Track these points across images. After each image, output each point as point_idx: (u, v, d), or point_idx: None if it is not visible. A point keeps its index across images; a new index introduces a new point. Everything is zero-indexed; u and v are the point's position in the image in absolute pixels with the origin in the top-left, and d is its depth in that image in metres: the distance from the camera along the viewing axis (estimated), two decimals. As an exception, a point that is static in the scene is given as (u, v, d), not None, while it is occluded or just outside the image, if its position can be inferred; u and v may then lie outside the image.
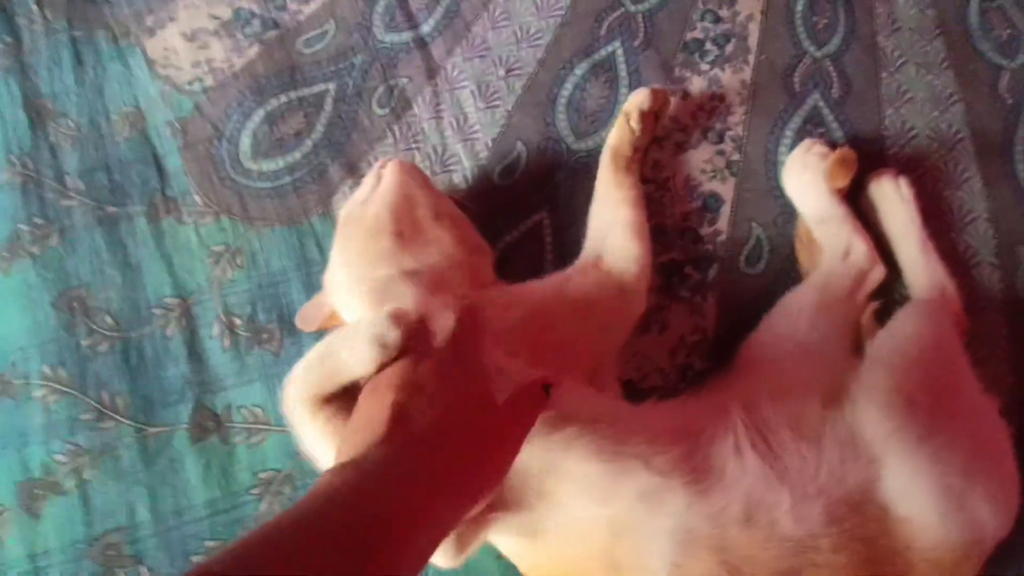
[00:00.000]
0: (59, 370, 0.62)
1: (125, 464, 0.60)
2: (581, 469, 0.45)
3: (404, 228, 0.55)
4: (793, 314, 0.60)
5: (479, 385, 0.40)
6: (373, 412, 0.37)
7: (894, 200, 0.63)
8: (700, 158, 0.69)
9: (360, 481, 0.32)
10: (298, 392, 0.42)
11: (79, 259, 0.66)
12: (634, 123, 0.64)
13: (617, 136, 0.65)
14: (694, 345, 0.64)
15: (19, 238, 0.66)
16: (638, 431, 0.48)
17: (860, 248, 0.61)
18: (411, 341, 0.40)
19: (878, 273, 0.61)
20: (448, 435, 0.37)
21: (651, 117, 0.65)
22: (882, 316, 0.60)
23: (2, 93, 0.71)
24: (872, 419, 0.49)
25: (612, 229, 0.62)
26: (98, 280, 0.65)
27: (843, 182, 0.63)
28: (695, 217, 0.67)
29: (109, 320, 0.64)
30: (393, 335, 0.39)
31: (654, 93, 0.65)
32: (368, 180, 0.60)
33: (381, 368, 0.39)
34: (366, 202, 0.57)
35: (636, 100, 0.65)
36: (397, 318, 0.40)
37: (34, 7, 0.76)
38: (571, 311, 0.56)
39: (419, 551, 0.33)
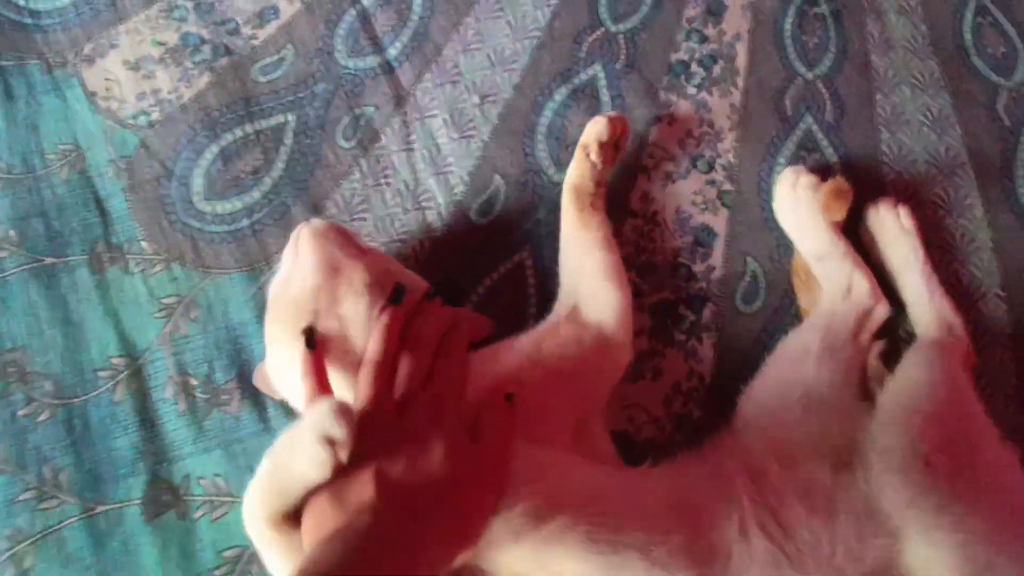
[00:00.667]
0: (-8, 445, 0.56)
1: (71, 548, 0.54)
2: (576, 567, 0.41)
3: (323, 305, 0.49)
4: (796, 359, 0.56)
5: (457, 436, 0.42)
6: (359, 473, 0.37)
7: (895, 232, 0.60)
8: (690, 189, 0.65)
9: (349, 552, 0.33)
10: (255, 515, 0.38)
11: (12, 318, 0.59)
12: (594, 156, 0.59)
13: (577, 172, 0.60)
14: (690, 392, 0.60)
15: (-57, 297, 0.60)
16: (635, 514, 0.44)
17: (862, 285, 0.58)
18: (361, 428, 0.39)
19: (882, 311, 0.58)
20: (435, 492, 0.38)
21: (611, 148, 0.60)
22: (888, 356, 0.57)
23: (-78, 132, 0.65)
24: (889, 488, 0.45)
25: (584, 276, 0.57)
26: (36, 341, 0.59)
27: (840, 214, 0.60)
28: (687, 253, 0.64)
29: (49, 386, 0.58)
30: (340, 430, 0.37)
31: (611, 121, 0.60)
32: (287, 254, 0.53)
33: (337, 470, 0.37)
34: (286, 281, 0.51)
35: (594, 131, 0.60)
36: (341, 412, 0.37)
37: (-43, 34, 0.69)
38: (548, 375, 0.51)
39: None
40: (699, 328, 0.61)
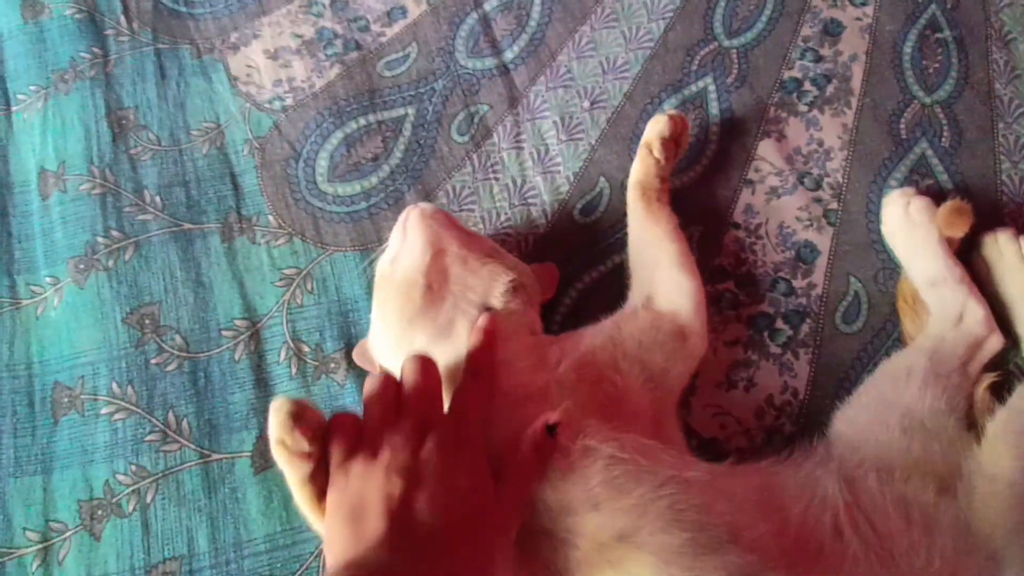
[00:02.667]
0: (127, 388, 0.61)
1: (187, 490, 0.59)
2: (660, 539, 0.41)
3: (433, 281, 0.52)
4: (899, 381, 0.55)
5: (479, 467, 0.40)
6: (373, 494, 0.37)
7: (1014, 262, 0.58)
8: (795, 205, 0.65)
9: None
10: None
11: (153, 275, 0.65)
12: (657, 152, 0.61)
13: (642, 169, 0.62)
14: (783, 406, 0.59)
15: (95, 251, 0.66)
16: (721, 499, 0.44)
17: (977, 314, 0.56)
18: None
19: (995, 342, 0.56)
20: (450, 532, 0.36)
21: (672, 144, 0.62)
22: (998, 389, 0.55)
23: (88, 104, 0.72)
24: (992, 511, 0.44)
25: (658, 267, 0.59)
26: (171, 297, 0.64)
27: (961, 231, 0.58)
28: (788, 268, 0.63)
29: (179, 340, 0.63)
30: (289, 436, 0.40)
31: (672, 119, 0.61)
32: (395, 235, 0.56)
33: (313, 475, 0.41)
34: (395, 260, 0.54)
35: (656, 128, 0.61)
36: (293, 415, 0.40)
37: (122, 18, 0.76)
38: (627, 359, 0.53)
39: None
40: (796, 343, 0.61)
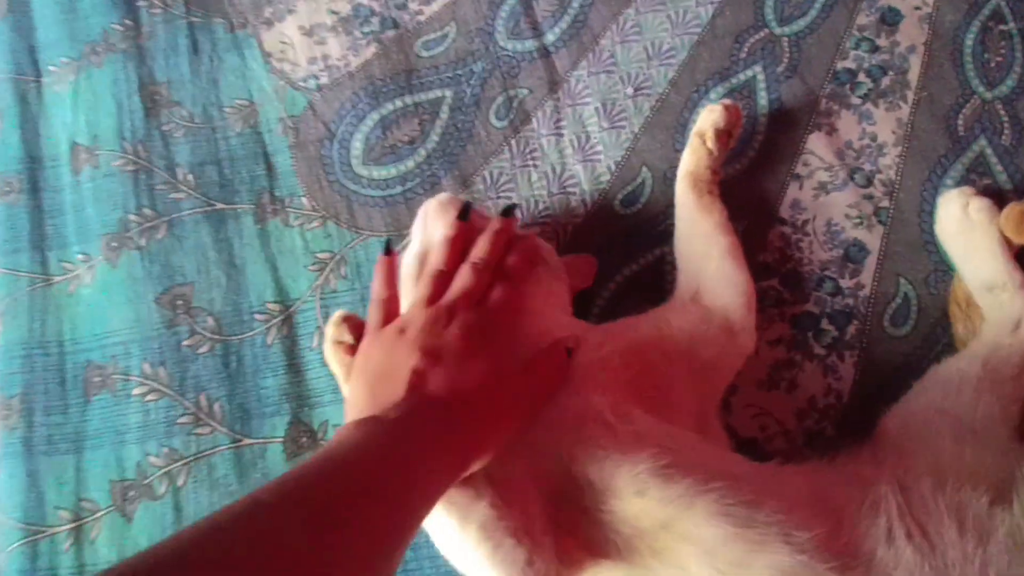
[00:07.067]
0: (159, 369, 0.61)
1: (219, 474, 0.58)
2: (706, 532, 0.40)
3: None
4: (950, 387, 0.53)
5: (499, 358, 0.44)
6: (396, 364, 0.42)
7: (1074, 270, 0.56)
8: (844, 202, 0.63)
9: (381, 436, 0.37)
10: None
11: (185, 255, 0.64)
12: (711, 143, 0.59)
13: (693, 160, 0.60)
14: (826, 409, 0.58)
15: (128, 229, 0.65)
16: (771, 496, 0.42)
17: (1034, 322, 0.54)
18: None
19: (1052, 351, 0.54)
20: (460, 409, 0.40)
21: (725, 135, 0.60)
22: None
23: (120, 77, 0.71)
24: None
25: (708, 261, 0.57)
26: (203, 279, 0.64)
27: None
28: (835, 267, 0.61)
29: (211, 322, 0.62)
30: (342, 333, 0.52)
31: (727, 109, 0.60)
32: (416, 230, 0.55)
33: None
34: (420, 255, 0.53)
35: (710, 119, 0.60)
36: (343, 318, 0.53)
37: (154, -10, 0.74)
38: (674, 351, 0.51)
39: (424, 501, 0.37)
40: (841, 345, 0.59)
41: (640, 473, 0.41)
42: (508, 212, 0.53)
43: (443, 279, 0.48)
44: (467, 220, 0.51)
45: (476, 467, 0.40)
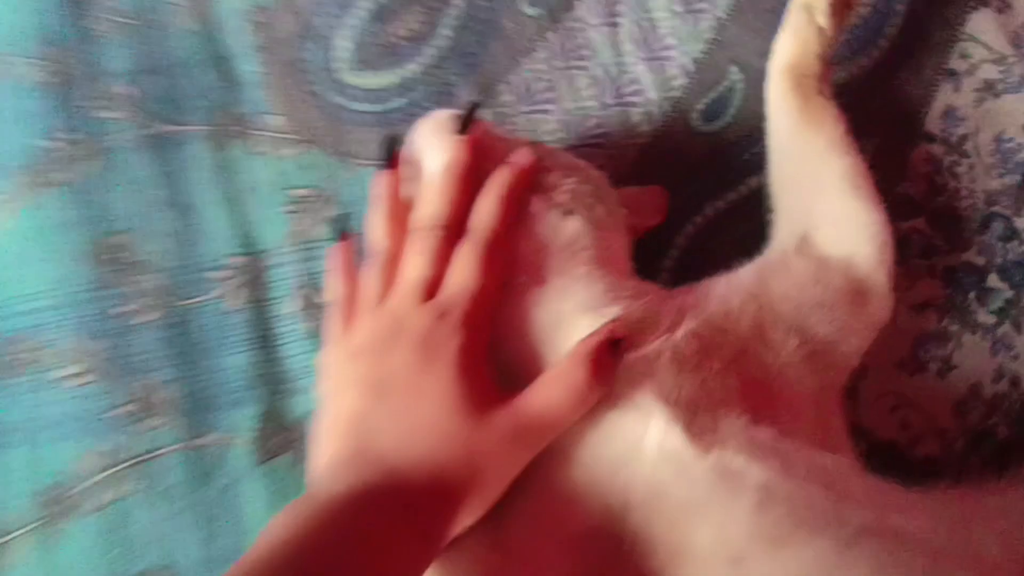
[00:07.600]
0: (89, 344, 0.47)
1: (169, 483, 0.45)
2: None
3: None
4: None
5: (462, 384, 0.32)
6: (340, 402, 0.34)
7: None
8: (1021, 109, 0.47)
9: (312, 525, 0.28)
10: None
11: (121, 194, 0.50)
12: (822, 17, 0.42)
13: (797, 44, 0.43)
14: (996, 399, 0.43)
15: (44, 160, 0.50)
16: (956, 563, 0.30)
17: None
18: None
19: None
20: (411, 470, 0.30)
21: (843, 6, 0.43)
22: None
23: (34, -40, 0.55)
24: None
25: (821, 193, 0.42)
26: (144, 224, 0.49)
27: None
28: (1008, 200, 0.46)
29: (156, 281, 0.48)
30: None
31: None
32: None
33: None
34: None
35: None
36: None
37: None
38: (779, 327, 0.38)
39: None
40: (1018, 310, 0.44)
41: (735, 536, 0.29)
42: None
43: (423, 251, 0.36)
44: (466, 134, 0.38)
45: (459, 529, 0.31)
